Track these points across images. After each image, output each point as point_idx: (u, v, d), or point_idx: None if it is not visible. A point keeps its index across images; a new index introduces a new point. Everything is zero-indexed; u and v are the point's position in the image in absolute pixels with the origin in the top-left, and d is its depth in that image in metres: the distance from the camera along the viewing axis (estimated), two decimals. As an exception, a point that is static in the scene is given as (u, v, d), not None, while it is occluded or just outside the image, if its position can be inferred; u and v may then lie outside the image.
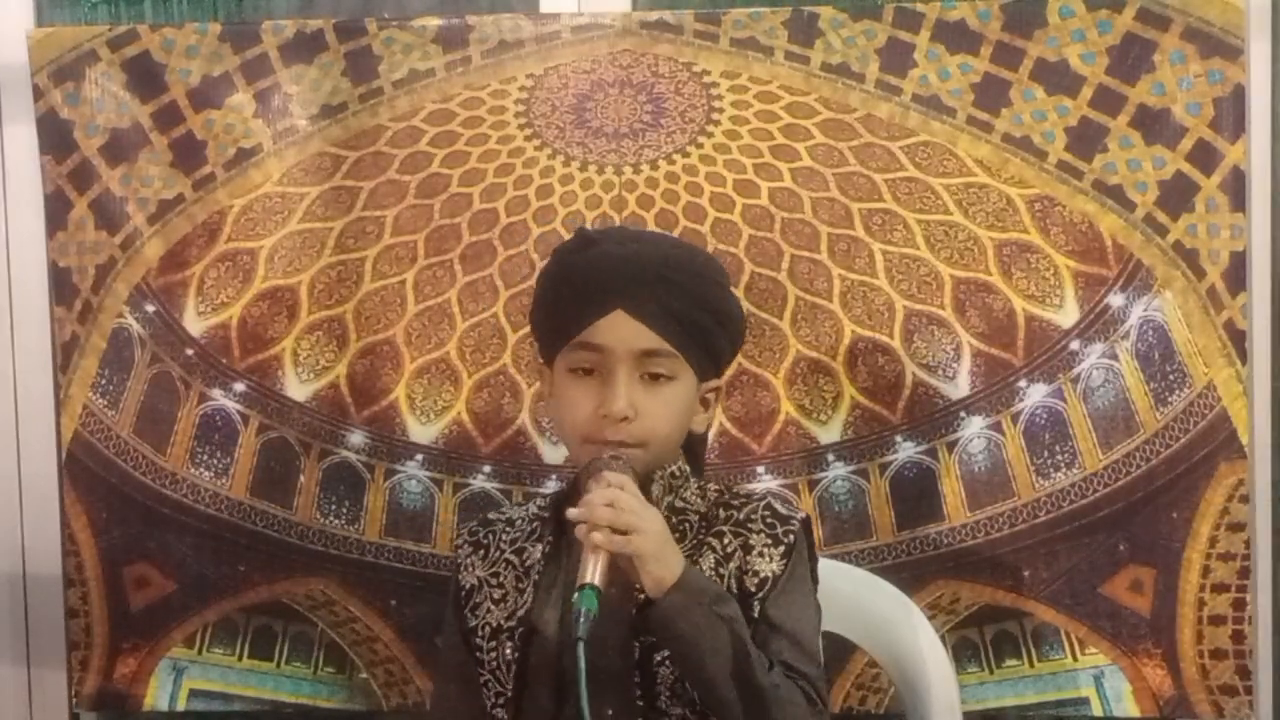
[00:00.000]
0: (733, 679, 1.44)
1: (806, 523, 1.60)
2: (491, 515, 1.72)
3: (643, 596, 1.45)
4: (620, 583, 1.46)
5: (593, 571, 1.41)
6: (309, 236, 2.28)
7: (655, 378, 1.55)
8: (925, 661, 1.86)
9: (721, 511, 1.60)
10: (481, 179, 2.26)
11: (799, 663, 1.51)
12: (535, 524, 1.66)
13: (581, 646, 1.36)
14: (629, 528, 1.43)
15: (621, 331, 1.54)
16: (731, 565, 1.55)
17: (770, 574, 1.54)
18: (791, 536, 1.56)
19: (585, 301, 1.55)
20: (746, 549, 1.56)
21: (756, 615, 1.53)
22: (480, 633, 1.62)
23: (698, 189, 2.23)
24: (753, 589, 1.54)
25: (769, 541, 1.56)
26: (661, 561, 1.44)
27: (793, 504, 1.63)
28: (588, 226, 2.02)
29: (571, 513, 1.46)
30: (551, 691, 1.56)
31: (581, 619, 1.38)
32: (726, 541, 1.57)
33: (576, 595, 1.39)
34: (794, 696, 1.48)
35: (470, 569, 1.67)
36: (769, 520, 1.58)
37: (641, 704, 1.52)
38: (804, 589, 1.58)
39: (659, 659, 1.51)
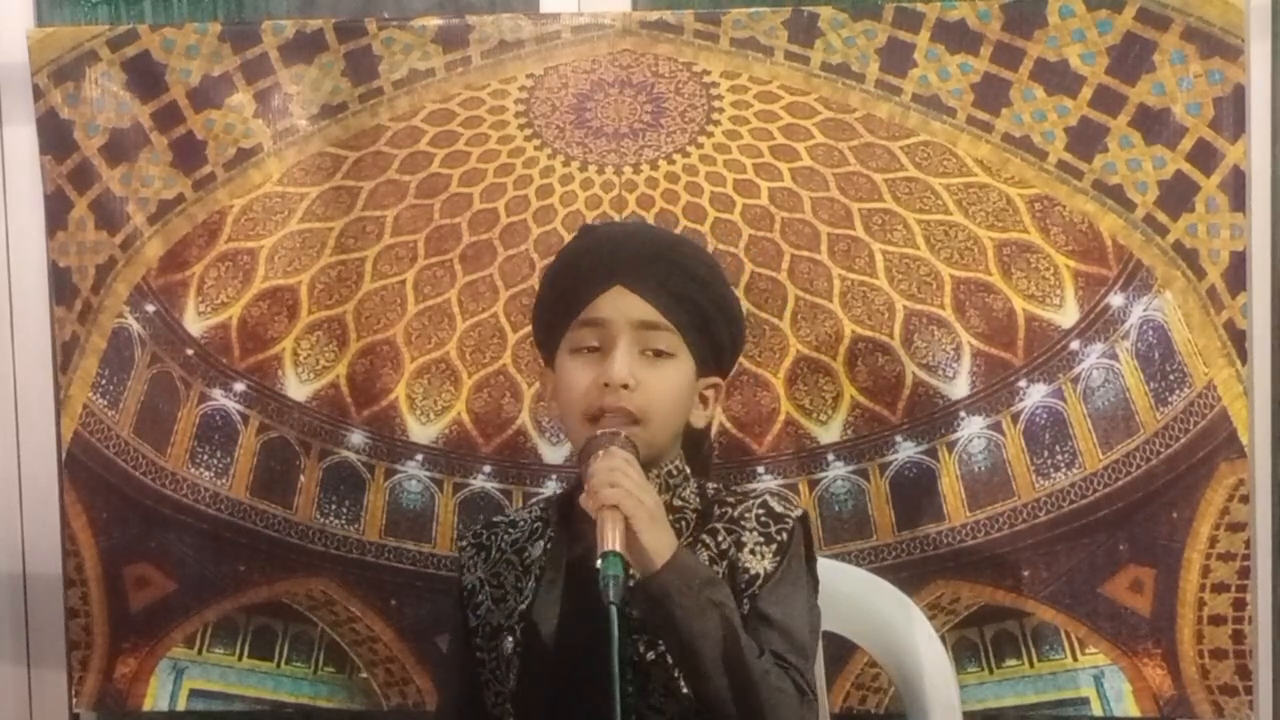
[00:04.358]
0: (723, 663, 1.43)
1: (804, 519, 1.60)
2: (496, 518, 1.74)
3: (634, 579, 1.45)
4: None
5: (613, 537, 1.41)
6: (309, 236, 2.28)
7: (656, 354, 1.58)
8: (925, 661, 1.85)
9: (716, 509, 1.60)
10: (481, 179, 2.26)
11: (788, 654, 1.51)
12: (537, 524, 1.68)
13: (614, 611, 1.35)
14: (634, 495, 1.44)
15: (621, 304, 1.57)
16: (724, 563, 1.55)
17: (761, 571, 1.54)
18: (785, 534, 1.56)
19: (586, 280, 1.60)
20: (739, 546, 1.56)
21: (747, 611, 1.52)
22: (481, 632, 1.63)
23: (698, 189, 2.23)
24: (743, 585, 1.54)
25: (761, 539, 1.56)
26: (655, 535, 1.44)
27: (791, 501, 1.62)
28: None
29: (583, 499, 1.46)
30: (550, 688, 1.56)
31: (611, 585, 1.37)
32: (720, 539, 1.57)
33: (601, 562, 1.39)
34: (784, 684, 1.47)
35: (472, 569, 1.68)
36: (763, 519, 1.58)
37: (634, 702, 1.51)
38: (798, 584, 1.57)
39: (652, 657, 1.51)
